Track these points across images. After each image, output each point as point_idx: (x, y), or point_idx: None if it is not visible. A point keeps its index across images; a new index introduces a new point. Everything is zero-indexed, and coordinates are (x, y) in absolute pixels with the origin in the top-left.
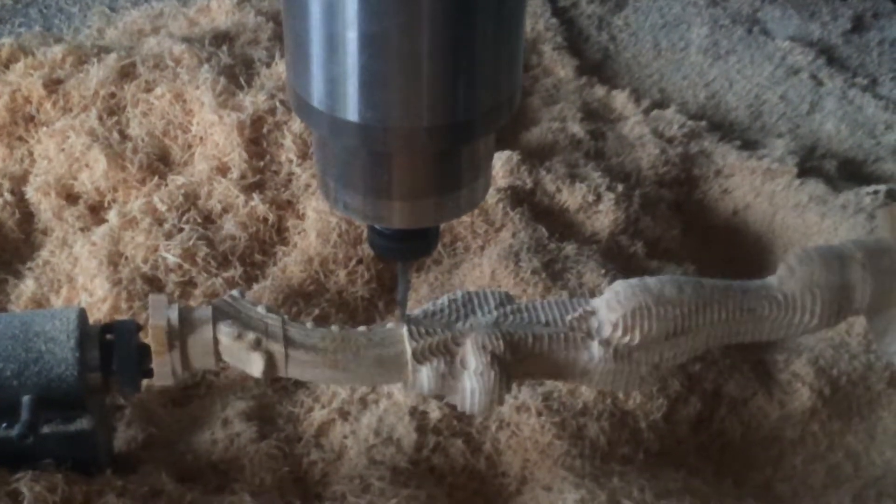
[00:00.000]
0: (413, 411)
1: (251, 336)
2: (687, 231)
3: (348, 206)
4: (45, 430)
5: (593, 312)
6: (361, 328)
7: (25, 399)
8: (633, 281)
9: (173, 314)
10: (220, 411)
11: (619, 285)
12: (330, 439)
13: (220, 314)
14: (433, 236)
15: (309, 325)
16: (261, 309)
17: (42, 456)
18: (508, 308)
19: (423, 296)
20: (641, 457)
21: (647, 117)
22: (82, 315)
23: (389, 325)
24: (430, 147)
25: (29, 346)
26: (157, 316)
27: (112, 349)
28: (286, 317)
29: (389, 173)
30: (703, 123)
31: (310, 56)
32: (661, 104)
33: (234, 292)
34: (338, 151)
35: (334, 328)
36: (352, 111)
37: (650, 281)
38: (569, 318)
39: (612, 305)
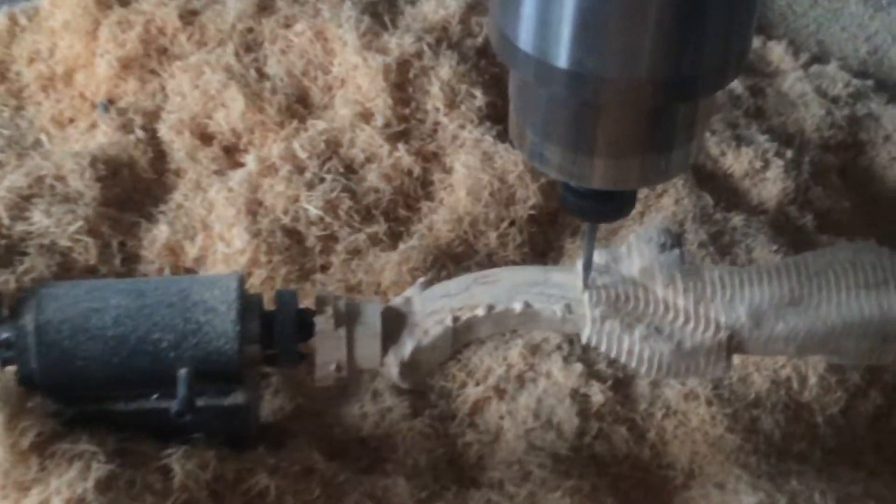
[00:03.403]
0: (574, 394)
1: None
2: (852, 200)
3: (546, 160)
4: (199, 403)
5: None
6: None
7: (182, 373)
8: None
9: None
10: (370, 381)
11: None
12: (485, 419)
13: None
14: (630, 199)
15: None
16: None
17: (193, 430)
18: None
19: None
20: (818, 455)
21: (808, 73)
22: (241, 283)
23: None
24: (647, 101)
25: (187, 315)
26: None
27: (271, 321)
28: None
29: (596, 127)
30: (870, 83)
31: None
32: (820, 58)
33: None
34: (541, 100)
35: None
36: (563, 57)
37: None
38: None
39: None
